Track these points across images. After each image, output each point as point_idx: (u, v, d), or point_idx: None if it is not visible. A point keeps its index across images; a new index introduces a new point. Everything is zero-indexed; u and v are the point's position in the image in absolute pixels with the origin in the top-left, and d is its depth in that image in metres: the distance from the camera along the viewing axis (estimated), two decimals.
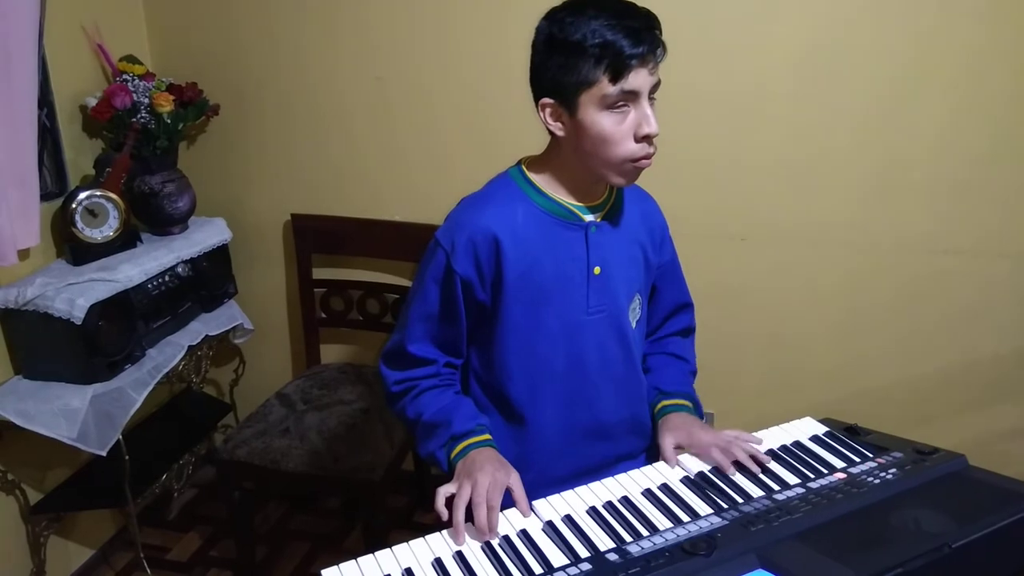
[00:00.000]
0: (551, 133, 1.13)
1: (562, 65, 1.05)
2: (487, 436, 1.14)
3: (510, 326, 1.17)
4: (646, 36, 1.03)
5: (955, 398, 1.99)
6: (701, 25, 1.83)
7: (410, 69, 2.04)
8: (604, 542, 0.95)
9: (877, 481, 1.00)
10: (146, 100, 1.94)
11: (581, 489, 1.07)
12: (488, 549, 0.97)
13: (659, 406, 1.27)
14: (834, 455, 1.11)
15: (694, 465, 1.13)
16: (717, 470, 1.10)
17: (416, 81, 2.04)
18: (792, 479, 1.06)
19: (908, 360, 1.98)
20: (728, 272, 2.01)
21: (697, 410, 1.28)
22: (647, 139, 1.07)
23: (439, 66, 2.02)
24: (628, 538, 0.95)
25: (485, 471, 1.05)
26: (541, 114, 1.11)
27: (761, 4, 1.79)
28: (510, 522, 1.01)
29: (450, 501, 1.03)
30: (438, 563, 0.95)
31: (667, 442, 1.18)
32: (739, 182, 1.93)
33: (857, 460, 1.08)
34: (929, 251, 1.88)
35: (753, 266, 1.99)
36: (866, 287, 1.95)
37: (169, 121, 1.97)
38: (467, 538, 0.99)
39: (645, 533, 0.96)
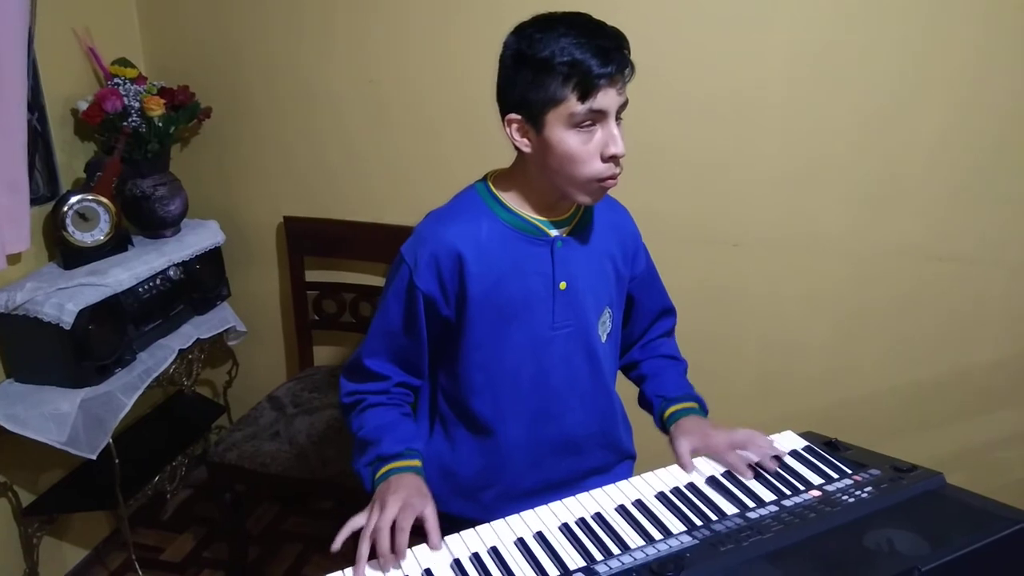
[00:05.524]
0: (517, 149, 1.12)
1: (530, 82, 1.04)
2: (416, 463, 1.12)
3: (475, 342, 1.16)
4: (615, 56, 1.02)
5: (950, 405, 1.96)
6: (695, 28, 1.81)
7: (404, 72, 2.03)
8: (574, 560, 0.95)
9: (852, 500, 0.99)
10: (137, 104, 1.94)
11: (555, 505, 1.06)
12: (457, 567, 0.96)
13: (668, 413, 1.25)
14: (812, 471, 1.10)
15: (678, 478, 1.12)
16: (692, 485, 1.09)
17: (409, 84, 2.03)
18: (768, 496, 1.05)
19: (902, 367, 1.96)
20: (720, 278, 1.99)
21: (703, 408, 1.27)
22: (613, 159, 1.07)
23: (433, 69, 2.01)
24: (598, 556, 0.95)
25: (397, 496, 1.02)
26: (507, 129, 1.10)
27: (756, 7, 1.77)
28: (481, 539, 1.01)
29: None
30: None
31: (683, 447, 1.16)
32: (731, 187, 1.91)
33: (835, 476, 1.07)
34: (924, 258, 1.86)
35: (745, 272, 1.98)
36: (860, 293, 1.93)
37: (160, 125, 1.96)
38: (393, 566, 0.96)
39: (616, 551, 0.95)
